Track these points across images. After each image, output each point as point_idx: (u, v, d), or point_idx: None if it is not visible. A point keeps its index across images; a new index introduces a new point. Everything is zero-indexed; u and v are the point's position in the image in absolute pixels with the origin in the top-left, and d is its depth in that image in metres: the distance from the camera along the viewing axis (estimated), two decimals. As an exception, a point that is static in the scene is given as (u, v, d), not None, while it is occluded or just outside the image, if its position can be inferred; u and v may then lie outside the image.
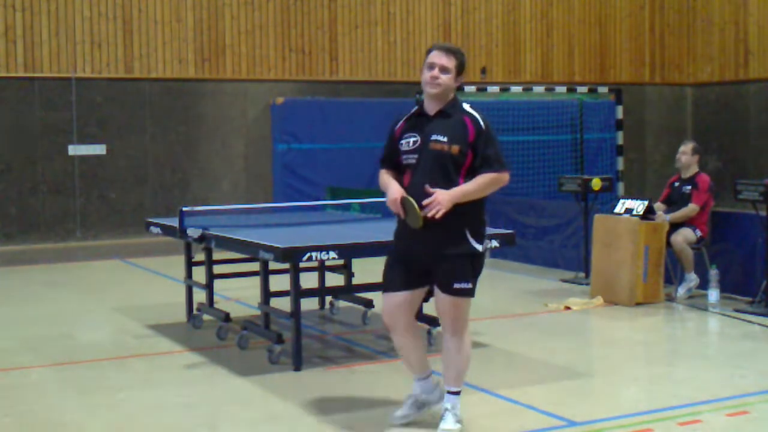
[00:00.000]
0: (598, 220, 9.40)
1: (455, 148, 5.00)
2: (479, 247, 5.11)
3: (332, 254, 6.30)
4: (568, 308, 8.84)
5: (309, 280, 7.97)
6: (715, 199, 9.37)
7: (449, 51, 5.15)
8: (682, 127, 19.59)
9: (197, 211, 8.27)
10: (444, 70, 5.08)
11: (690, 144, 9.50)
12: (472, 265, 5.13)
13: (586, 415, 5.45)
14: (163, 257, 12.68)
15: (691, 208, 9.05)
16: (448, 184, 4.98)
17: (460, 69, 5.16)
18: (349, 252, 6.80)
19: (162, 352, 7.32)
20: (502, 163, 5.08)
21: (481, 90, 15.52)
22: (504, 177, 5.06)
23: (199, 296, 8.27)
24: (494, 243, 6.95)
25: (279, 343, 6.74)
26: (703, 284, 8.97)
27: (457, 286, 5.12)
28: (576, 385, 6.24)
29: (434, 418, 5.44)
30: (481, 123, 5.08)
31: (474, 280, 5.20)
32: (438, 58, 5.10)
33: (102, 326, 8.56)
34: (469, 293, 5.20)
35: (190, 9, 15.57)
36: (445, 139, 5.02)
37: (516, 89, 15.52)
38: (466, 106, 5.16)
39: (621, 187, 15.44)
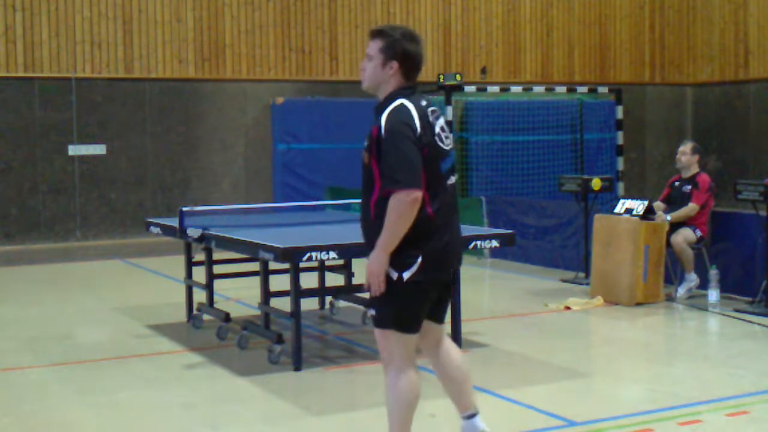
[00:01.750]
0: (598, 220, 9.40)
1: (366, 157, 4.22)
2: (393, 275, 4.17)
3: (332, 254, 6.30)
4: (568, 308, 8.83)
5: (309, 280, 7.97)
6: (715, 199, 9.37)
7: (372, 34, 4.30)
8: (682, 127, 19.60)
9: (197, 211, 8.27)
10: (368, 57, 4.28)
11: (689, 144, 9.50)
12: (389, 295, 4.19)
13: (586, 415, 5.45)
14: (163, 257, 12.68)
15: (691, 208, 9.04)
16: (368, 201, 4.25)
17: (389, 51, 4.22)
18: (349, 252, 6.78)
19: (162, 352, 7.32)
20: (394, 179, 4.05)
21: (481, 90, 15.52)
22: (400, 196, 4.03)
23: (199, 296, 8.27)
24: (494, 243, 6.95)
25: (279, 343, 6.74)
26: (703, 284, 8.97)
27: (370, 312, 4.37)
28: (576, 385, 6.23)
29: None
30: (383, 125, 4.14)
31: (385, 310, 4.22)
32: (368, 47, 4.31)
33: (102, 326, 8.56)
34: (378, 323, 4.26)
35: (190, 9, 15.58)
36: (365, 146, 4.26)
37: (516, 89, 15.52)
38: (394, 104, 4.21)
39: (621, 187, 15.44)
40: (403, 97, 4.24)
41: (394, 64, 4.24)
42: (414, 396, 4.28)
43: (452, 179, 4.33)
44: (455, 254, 4.38)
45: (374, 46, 4.27)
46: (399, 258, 4.17)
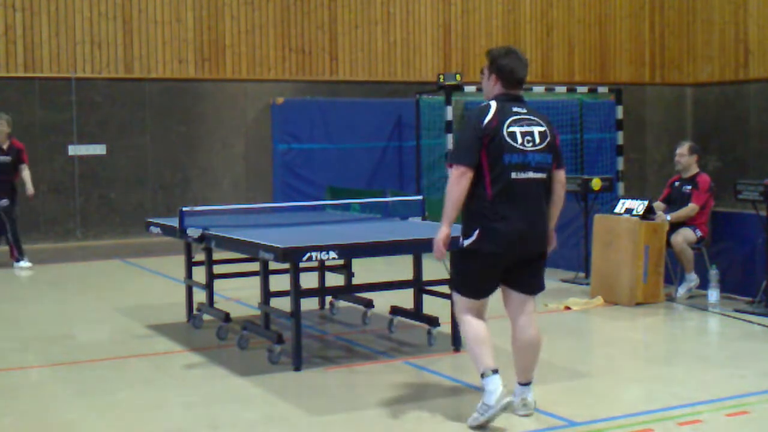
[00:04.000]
0: (598, 220, 9.40)
1: None
2: (461, 242, 5.22)
3: (332, 254, 6.29)
4: (568, 308, 8.84)
5: (309, 280, 7.97)
6: (715, 199, 9.37)
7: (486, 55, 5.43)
8: (682, 127, 19.60)
9: (197, 211, 8.26)
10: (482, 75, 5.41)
11: (686, 145, 9.49)
12: (456, 259, 5.38)
13: (586, 415, 5.45)
14: (163, 257, 12.68)
15: (692, 208, 9.05)
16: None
17: (491, 68, 5.27)
18: (349, 252, 6.79)
19: (162, 352, 7.32)
20: (451, 155, 5.20)
21: (481, 90, 15.50)
22: (452, 170, 5.10)
23: (199, 296, 8.27)
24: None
25: (279, 343, 6.74)
26: (703, 284, 8.97)
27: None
28: (576, 385, 6.23)
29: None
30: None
31: (456, 275, 5.40)
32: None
33: (102, 326, 8.56)
34: (450, 284, 5.53)
35: (190, 9, 15.58)
36: None
37: (516, 89, 15.48)
38: (482, 105, 5.29)
39: (621, 187, 15.43)
40: (496, 101, 5.23)
41: (493, 77, 5.27)
42: (477, 333, 5.22)
43: (525, 174, 5.12)
44: (517, 237, 5.12)
45: (485, 65, 5.32)
46: (465, 228, 5.20)
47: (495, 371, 5.13)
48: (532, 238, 5.19)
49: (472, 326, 5.26)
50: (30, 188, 12.21)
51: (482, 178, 5.09)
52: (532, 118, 5.21)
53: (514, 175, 5.09)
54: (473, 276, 5.25)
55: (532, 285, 5.34)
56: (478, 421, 5.14)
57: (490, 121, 5.10)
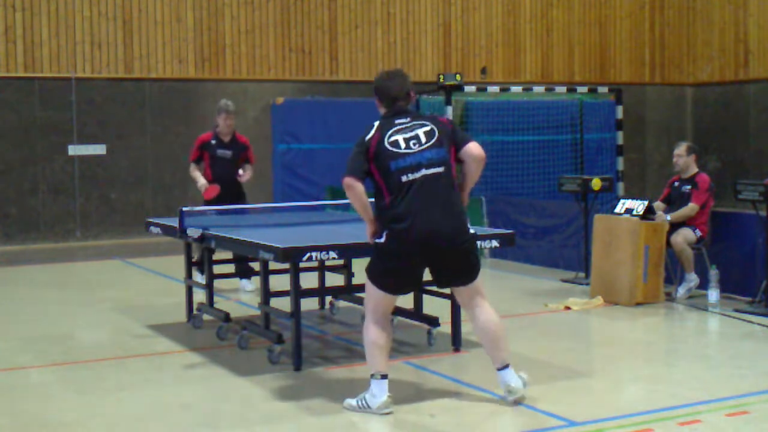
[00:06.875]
0: (598, 220, 9.40)
1: None
2: (376, 239, 5.60)
3: (332, 254, 6.29)
4: (568, 308, 8.84)
5: (309, 280, 7.97)
6: (715, 199, 9.36)
7: None
8: (682, 127, 19.60)
9: (197, 211, 8.26)
10: None
11: (683, 145, 9.48)
12: (373, 251, 5.66)
13: (586, 415, 5.45)
14: (163, 257, 12.68)
15: (691, 208, 9.05)
16: None
17: (374, 92, 5.79)
18: (349, 252, 6.78)
19: (162, 352, 7.32)
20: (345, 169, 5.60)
21: (481, 90, 15.51)
22: (343, 183, 5.53)
23: (199, 296, 8.27)
24: (494, 243, 6.91)
25: (279, 343, 6.74)
26: (703, 284, 8.97)
27: None
28: (576, 385, 6.23)
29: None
30: None
31: (371, 264, 5.67)
32: None
33: (102, 326, 8.56)
34: (366, 271, 5.72)
35: (190, 9, 15.58)
36: None
37: (516, 89, 15.49)
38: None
39: (621, 187, 15.42)
40: (380, 120, 5.65)
41: (376, 100, 5.76)
42: (375, 339, 5.60)
43: (418, 173, 5.46)
44: (420, 236, 5.42)
45: None
46: (378, 230, 5.59)
47: (384, 376, 5.57)
48: (440, 234, 5.45)
49: (372, 333, 5.62)
50: (246, 174, 9.97)
51: (380, 188, 5.52)
52: (414, 123, 5.60)
53: (404, 177, 5.44)
54: (383, 271, 5.59)
55: (464, 274, 5.62)
56: (352, 409, 5.61)
57: (371, 137, 5.54)
